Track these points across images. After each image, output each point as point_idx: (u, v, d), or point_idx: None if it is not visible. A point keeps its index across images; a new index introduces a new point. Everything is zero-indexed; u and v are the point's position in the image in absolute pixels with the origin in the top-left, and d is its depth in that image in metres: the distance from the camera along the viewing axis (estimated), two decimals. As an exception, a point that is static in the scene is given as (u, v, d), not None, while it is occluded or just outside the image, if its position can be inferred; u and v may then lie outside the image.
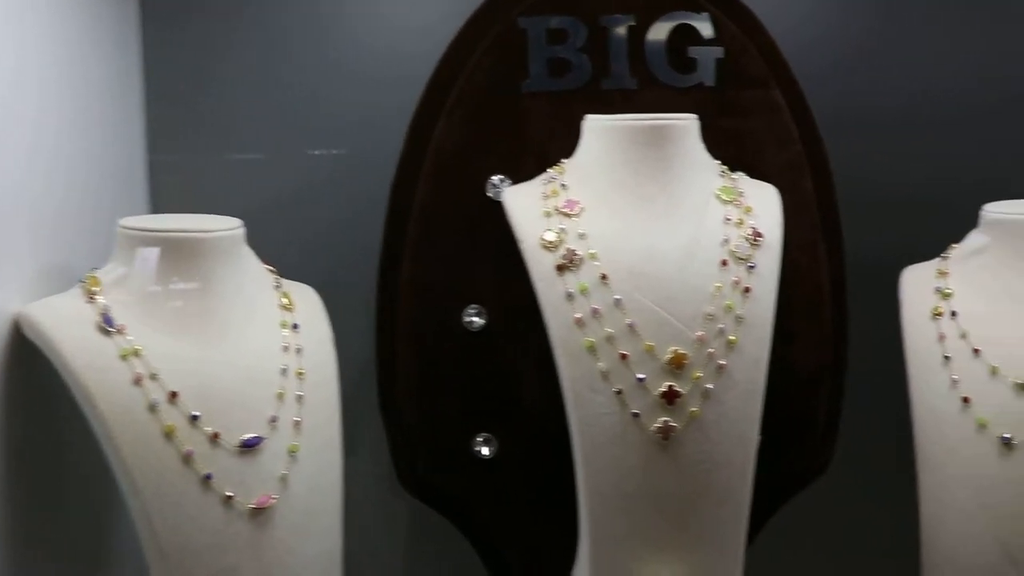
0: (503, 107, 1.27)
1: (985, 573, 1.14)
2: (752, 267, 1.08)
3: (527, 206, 1.12)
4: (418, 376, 1.29)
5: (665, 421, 1.03)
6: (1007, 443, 1.12)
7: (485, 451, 1.29)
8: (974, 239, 1.22)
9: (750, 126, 1.29)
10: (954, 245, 1.24)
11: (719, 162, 1.17)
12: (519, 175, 1.24)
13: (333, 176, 1.39)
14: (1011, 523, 1.12)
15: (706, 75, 1.28)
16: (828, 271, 1.32)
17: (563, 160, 1.17)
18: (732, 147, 1.26)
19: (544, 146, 1.24)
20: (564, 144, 1.20)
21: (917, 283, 1.24)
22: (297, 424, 1.04)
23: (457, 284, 1.28)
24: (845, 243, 1.34)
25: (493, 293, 1.26)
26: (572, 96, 1.26)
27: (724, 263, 1.07)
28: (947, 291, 1.20)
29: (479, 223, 1.26)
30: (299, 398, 1.06)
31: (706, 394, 1.04)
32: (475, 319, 1.27)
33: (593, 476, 1.05)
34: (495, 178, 1.26)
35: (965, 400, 1.15)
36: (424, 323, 1.29)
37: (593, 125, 1.14)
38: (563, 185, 1.13)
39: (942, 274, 1.22)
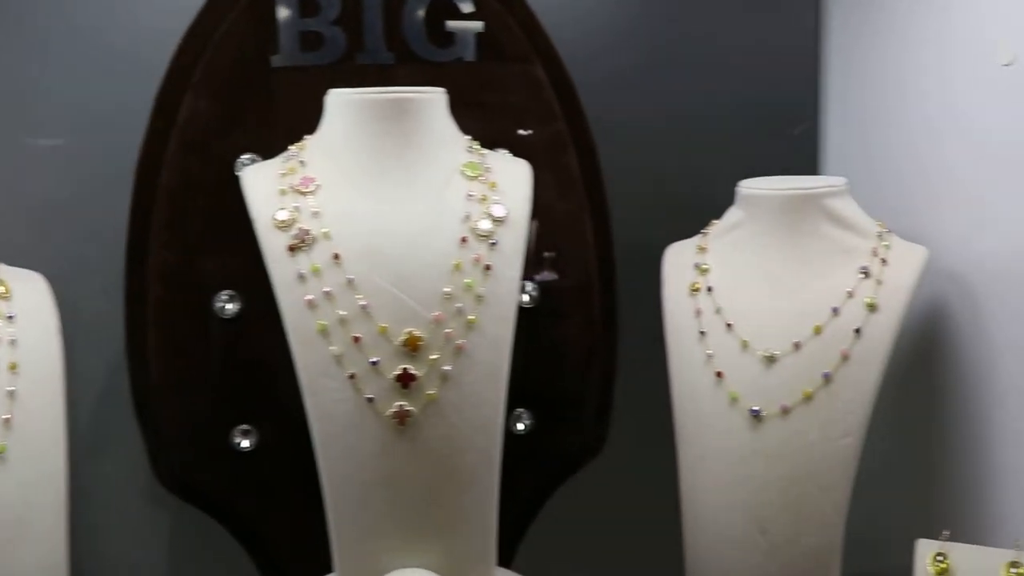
0: (252, 83, 1.22)
1: (738, 544, 1.15)
2: (494, 244, 1.05)
3: (263, 185, 1.07)
4: (171, 368, 1.22)
5: (401, 405, 0.99)
6: (756, 416, 1.12)
7: (245, 444, 1.23)
8: (731, 215, 1.22)
9: (511, 102, 1.27)
10: (715, 221, 1.24)
11: (470, 137, 1.14)
12: (271, 154, 1.18)
13: (72, 164, 1.29)
14: (761, 495, 1.13)
15: (466, 50, 1.25)
16: (596, 249, 1.31)
17: (306, 136, 1.11)
18: (494, 123, 1.24)
19: (296, 123, 1.18)
20: (316, 121, 1.15)
21: (678, 260, 1.24)
22: (7, 422, 0.97)
23: (208, 269, 1.22)
24: (613, 222, 1.33)
25: (246, 277, 1.20)
26: (325, 71, 1.21)
27: (464, 240, 1.03)
28: (704, 267, 1.20)
29: (229, 204, 1.19)
30: (11, 394, 0.98)
31: (444, 376, 1.00)
32: (228, 305, 1.21)
33: (331, 464, 1.00)
34: (244, 157, 1.21)
35: (719, 375, 1.15)
36: (175, 312, 1.22)
37: (336, 100, 1.09)
38: (302, 162, 1.08)
39: (701, 250, 1.22)
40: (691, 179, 1.40)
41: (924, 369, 1.28)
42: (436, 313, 1.01)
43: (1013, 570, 1.03)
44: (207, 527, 1.26)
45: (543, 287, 1.28)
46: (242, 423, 1.23)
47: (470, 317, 1.02)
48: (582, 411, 1.33)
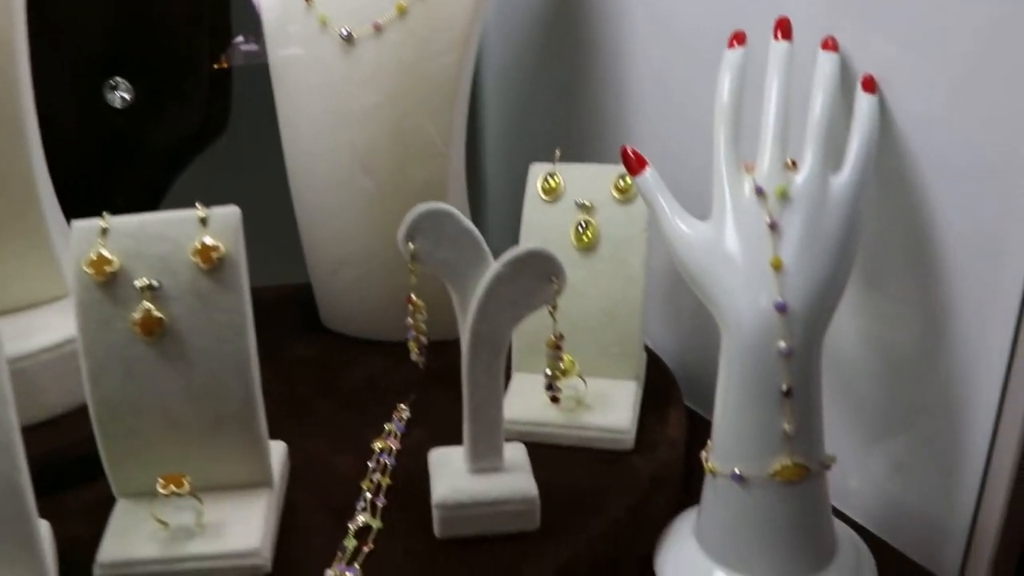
0: None
1: (343, 184, 1.04)
2: None
3: None
4: None
5: None
6: (347, 38, 0.99)
7: None
8: None
9: None
10: None
11: None
12: None
13: None
14: (359, 129, 1.01)
15: None
16: None
17: None
18: None
19: None
20: None
21: None
22: None
23: None
24: None
25: None
26: None
27: None
28: None
29: None
30: None
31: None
32: None
33: None
34: None
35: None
36: None
37: None
38: None
39: None
40: None
41: None
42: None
43: (620, 182, 0.96)
44: None
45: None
46: None
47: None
48: (194, 80, 1.17)
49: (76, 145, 1.13)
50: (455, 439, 0.83)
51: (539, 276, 0.75)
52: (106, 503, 0.82)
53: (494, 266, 0.75)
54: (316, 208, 1.06)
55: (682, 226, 0.80)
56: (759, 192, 0.76)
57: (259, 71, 1.09)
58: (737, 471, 0.77)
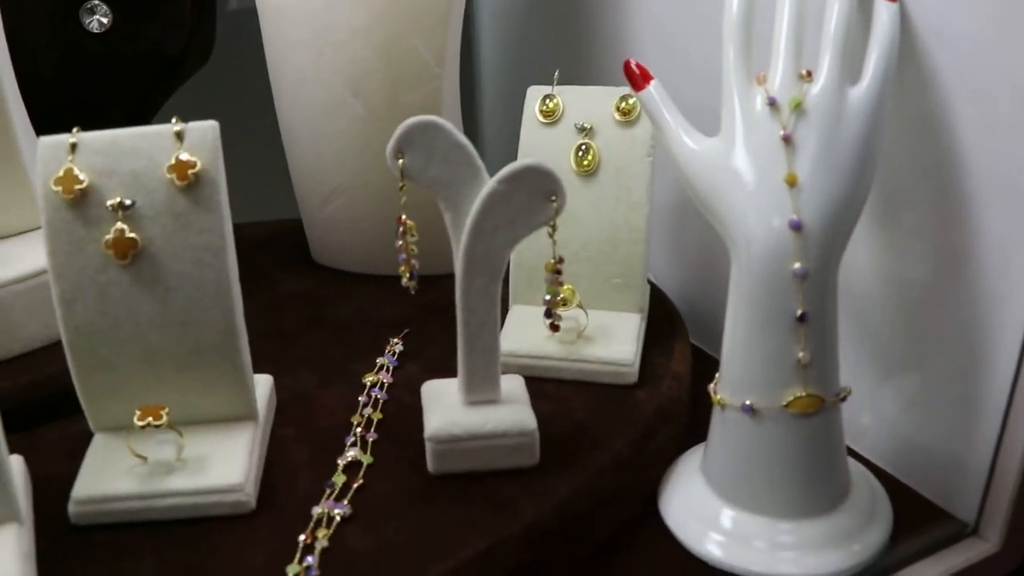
0: None
1: (334, 109, 0.99)
2: None
3: None
4: None
5: None
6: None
7: None
8: None
9: None
10: None
11: None
12: None
13: None
14: (348, 51, 0.96)
15: None
16: None
17: None
18: None
19: None
20: None
21: None
22: None
23: None
24: None
25: None
26: None
27: None
28: None
29: None
30: None
31: None
32: None
33: None
34: None
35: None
36: None
37: None
38: None
39: None
40: None
41: None
42: None
43: (623, 104, 0.91)
44: None
45: None
46: None
47: None
48: (174, 2, 1.12)
49: (54, 71, 1.07)
50: (450, 373, 0.78)
51: (537, 193, 0.71)
52: (84, 439, 0.78)
53: (490, 182, 0.70)
54: (306, 135, 1.01)
55: (689, 142, 0.75)
56: (772, 104, 0.71)
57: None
58: (747, 403, 0.73)
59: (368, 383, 0.86)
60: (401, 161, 0.72)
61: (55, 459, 0.77)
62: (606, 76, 1.04)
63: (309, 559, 0.66)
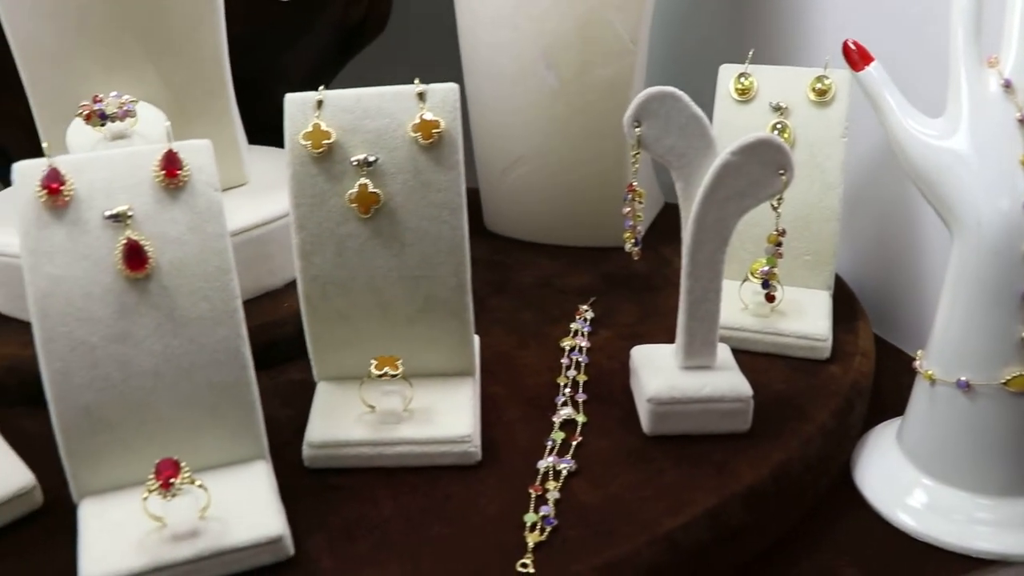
0: None
1: (525, 78, 1.01)
2: None
3: None
4: None
5: None
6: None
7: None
8: None
9: None
10: None
11: None
12: None
13: None
14: (544, 21, 0.98)
15: None
16: None
17: None
18: None
19: None
20: None
21: None
22: None
23: None
24: None
25: None
26: None
27: None
28: None
29: None
30: None
31: None
32: None
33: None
34: None
35: None
36: None
37: None
38: None
39: None
40: None
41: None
42: None
43: (819, 84, 0.92)
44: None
45: None
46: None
47: None
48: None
49: (242, 34, 1.10)
50: (639, 341, 0.80)
51: (768, 166, 0.72)
52: (292, 388, 0.81)
53: (723, 153, 0.72)
54: (494, 102, 1.03)
55: (913, 124, 0.76)
56: (1007, 86, 0.72)
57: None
58: (963, 379, 0.74)
59: (567, 347, 0.88)
60: (638, 130, 0.74)
61: (270, 405, 0.79)
62: (786, 56, 1.05)
63: (544, 509, 0.68)
